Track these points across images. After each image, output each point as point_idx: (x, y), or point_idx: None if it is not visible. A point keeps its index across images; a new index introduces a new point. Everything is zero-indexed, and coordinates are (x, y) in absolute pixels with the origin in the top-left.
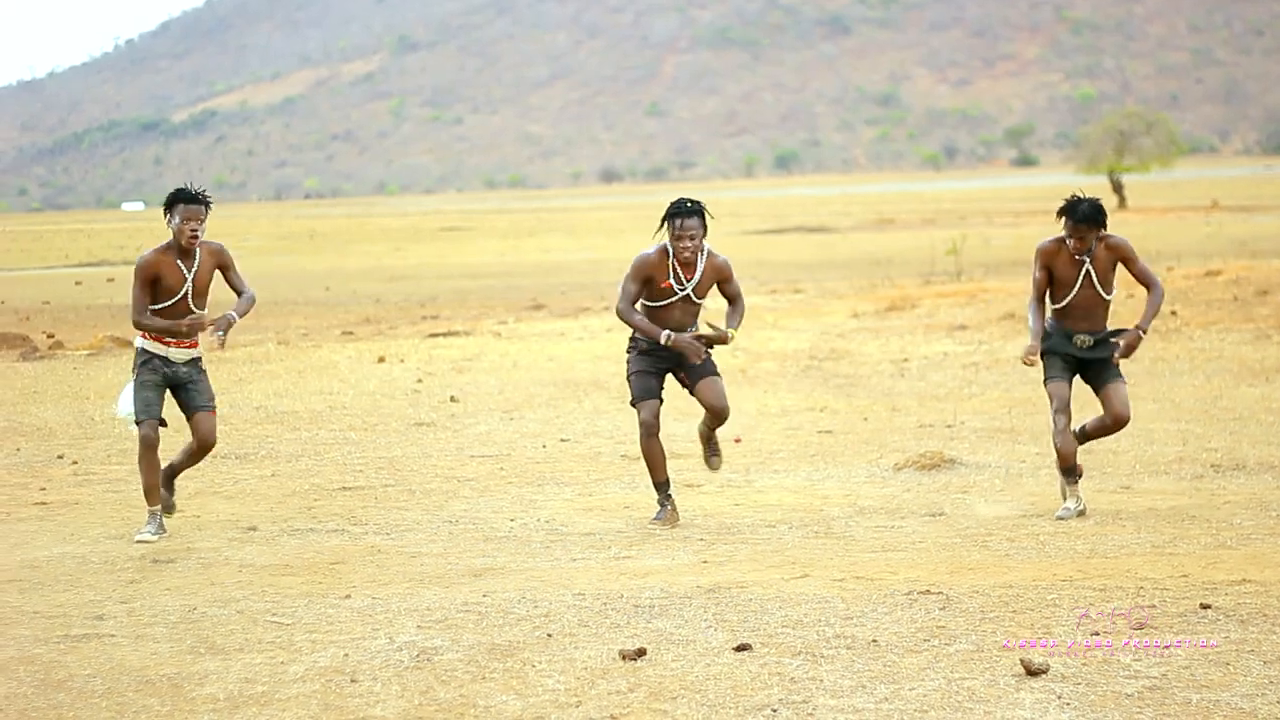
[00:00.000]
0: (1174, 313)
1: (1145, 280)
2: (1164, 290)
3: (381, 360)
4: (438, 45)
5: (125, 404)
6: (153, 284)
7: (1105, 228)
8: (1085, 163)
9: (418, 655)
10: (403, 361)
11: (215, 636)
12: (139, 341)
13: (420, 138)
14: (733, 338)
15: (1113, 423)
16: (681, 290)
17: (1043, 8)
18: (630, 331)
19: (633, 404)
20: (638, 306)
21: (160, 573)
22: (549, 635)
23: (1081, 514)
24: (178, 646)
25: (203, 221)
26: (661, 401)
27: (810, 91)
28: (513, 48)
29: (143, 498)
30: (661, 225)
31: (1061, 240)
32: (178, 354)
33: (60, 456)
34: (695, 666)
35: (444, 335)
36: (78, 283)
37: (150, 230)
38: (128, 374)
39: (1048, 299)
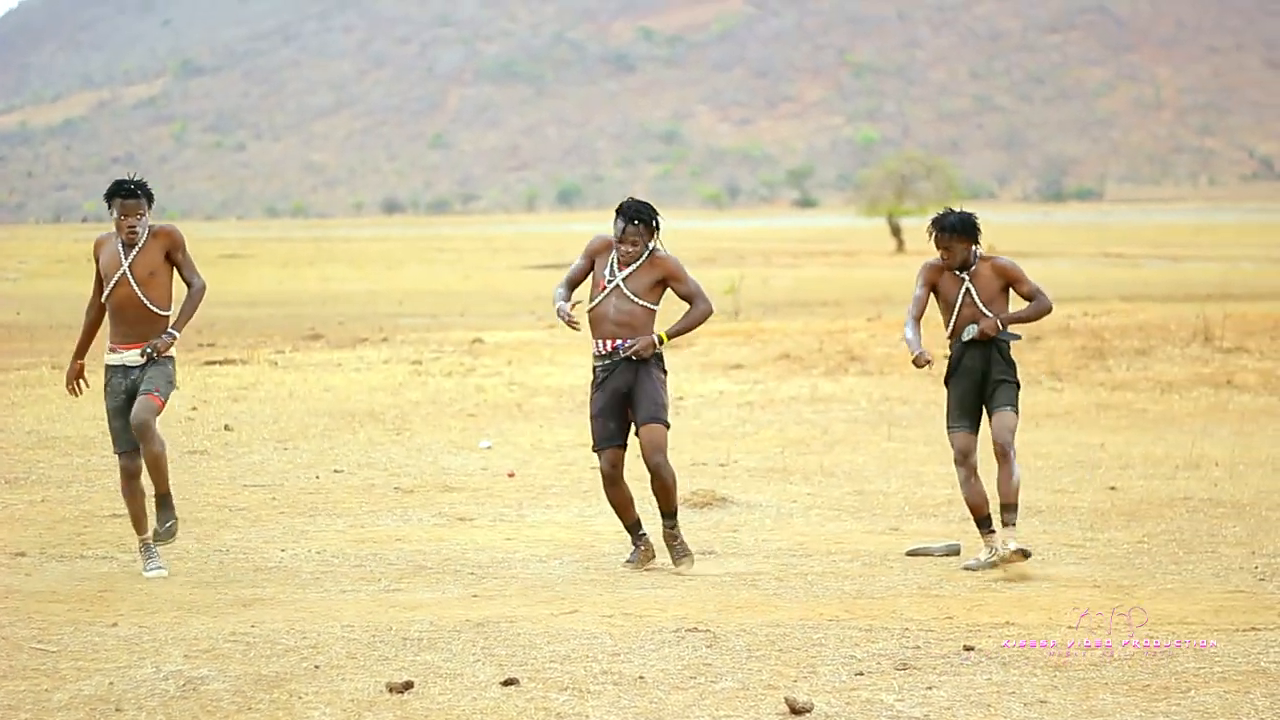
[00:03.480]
0: (947, 355)
1: (1032, 296)
2: (1051, 306)
3: None
4: (222, 71)
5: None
6: (97, 262)
7: (976, 241)
8: (866, 205)
9: (184, 685)
10: (177, 389)
11: None
12: (104, 358)
13: (202, 163)
14: (661, 341)
15: (994, 447)
16: (610, 282)
17: (826, 51)
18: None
19: (593, 450)
20: (575, 302)
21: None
22: (316, 667)
23: (991, 566)
24: None
25: (143, 215)
26: (624, 447)
27: (593, 127)
28: (297, 75)
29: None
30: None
31: (940, 270)
32: (131, 356)
33: None
34: (462, 700)
35: (220, 363)
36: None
37: None
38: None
39: (912, 330)
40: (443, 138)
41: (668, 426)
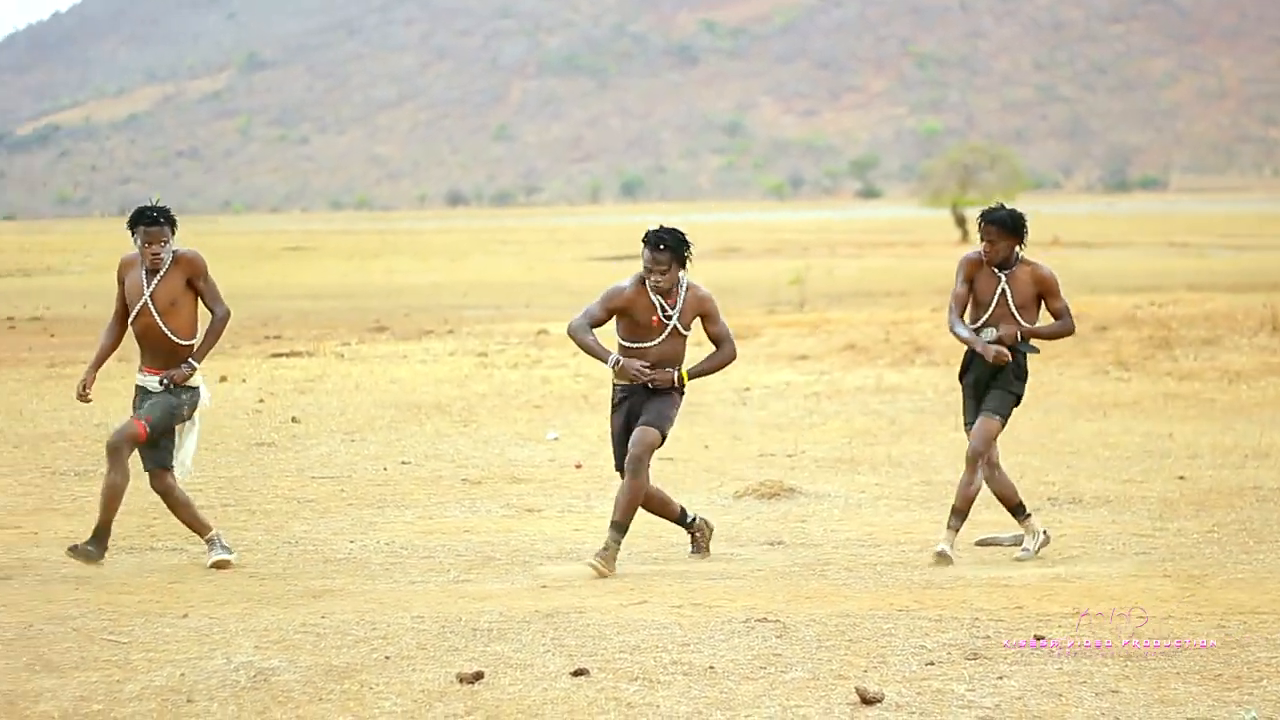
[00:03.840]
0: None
1: (1060, 315)
2: (1074, 329)
3: (223, 379)
4: (286, 64)
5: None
6: (121, 285)
7: (1021, 241)
8: (929, 196)
9: (255, 676)
10: (244, 381)
11: (51, 654)
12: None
13: (266, 157)
14: (683, 379)
15: (966, 452)
16: (669, 321)
17: (889, 42)
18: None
19: (616, 469)
20: (605, 340)
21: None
22: (387, 657)
23: (1045, 545)
24: (13, 664)
25: (167, 242)
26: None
27: (656, 119)
28: (361, 68)
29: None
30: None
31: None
32: (154, 382)
33: None
34: (532, 690)
35: (286, 356)
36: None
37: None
38: None
39: (962, 326)
40: (506, 130)
41: (663, 440)
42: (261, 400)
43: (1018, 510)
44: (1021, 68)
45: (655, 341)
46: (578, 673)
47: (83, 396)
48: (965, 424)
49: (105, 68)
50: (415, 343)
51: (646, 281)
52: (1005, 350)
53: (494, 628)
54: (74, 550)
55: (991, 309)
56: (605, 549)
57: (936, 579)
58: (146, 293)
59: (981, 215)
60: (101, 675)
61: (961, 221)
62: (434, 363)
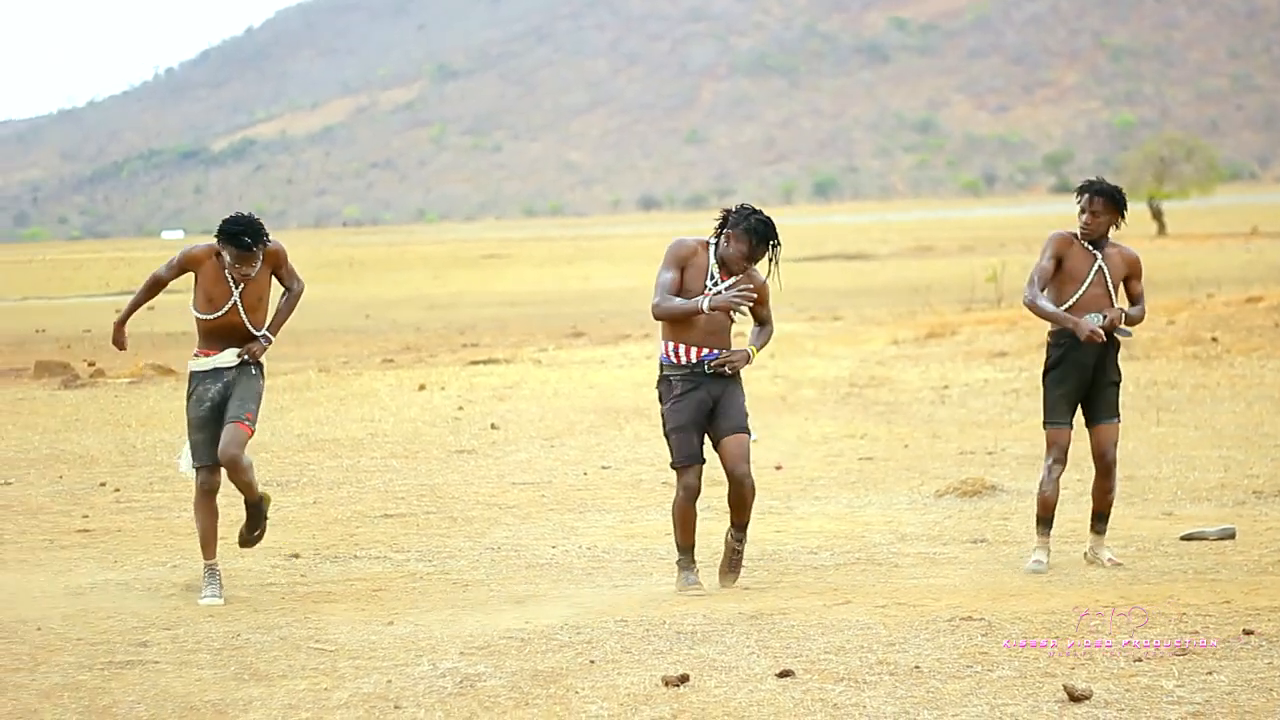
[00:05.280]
0: (1214, 339)
1: (1139, 300)
2: (1145, 314)
3: (422, 388)
4: (477, 73)
5: (184, 461)
6: (194, 279)
7: (1123, 218)
8: (1125, 189)
9: (461, 682)
10: (443, 389)
11: (259, 663)
12: (188, 365)
13: (460, 165)
14: (754, 356)
15: (1095, 459)
16: (714, 289)
17: (1082, 35)
18: (657, 376)
19: (674, 466)
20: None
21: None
22: (592, 662)
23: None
24: (221, 673)
25: (257, 264)
26: (704, 461)
27: (848, 118)
28: (552, 75)
29: (198, 547)
30: (721, 228)
31: (1074, 235)
32: (223, 360)
33: (102, 484)
34: (738, 693)
35: (484, 363)
36: (118, 310)
37: None
38: (168, 400)
39: (1047, 302)
40: (698, 133)
41: (753, 439)
42: (460, 408)
43: (1049, 522)
44: (1216, 57)
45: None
46: (783, 674)
47: (121, 343)
48: (1053, 422)
49: (299, 81)
50: (612, 347)
51: (714, 248)
52: (1100, 330)
53: (698, 630)
54: (246, 542)
55: (1086, 287)
56: (741, 546)
57: (1142, 574)
58: (236, 294)
59: (1087, 187)
60: (309, 683)
61: (1158, 214)
62: (631, 367)
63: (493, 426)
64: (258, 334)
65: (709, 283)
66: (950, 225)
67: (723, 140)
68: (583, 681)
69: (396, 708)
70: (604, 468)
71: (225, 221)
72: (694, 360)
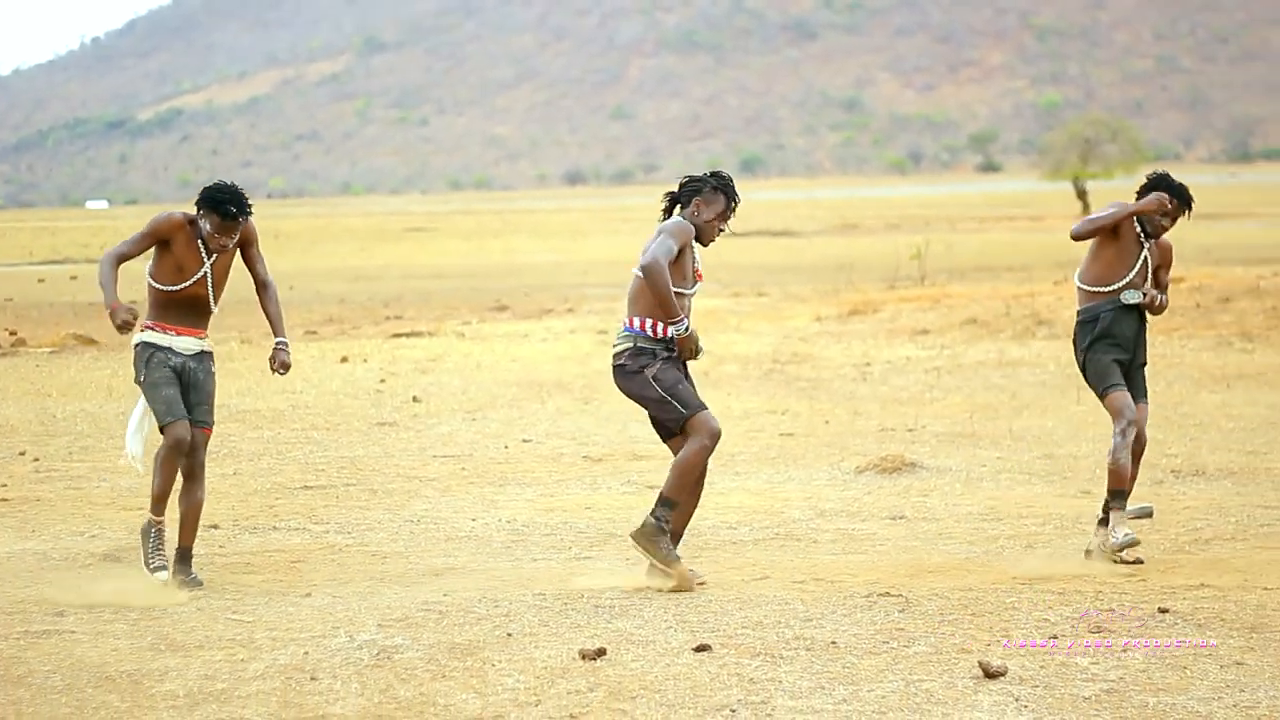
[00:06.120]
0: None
1: (1166, 287)
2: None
3: (345, 360)
4: (405, 46)
5: (133, 442)
6: (161, 247)
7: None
8: (1050, 169)
9: (378, 653)
10: (366, 361)
11: (175, 633)
12: (137, 336)
13: (386, 139)
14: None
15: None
16: (699, 271)
17: (1008, 15)
18: (623, 346)
19: (690, 415)
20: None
21: (121, 569)
22: (509, 634)
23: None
24: (138, 643)
25: (237, 234)
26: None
27: (774, 95)
28: (479, 50)
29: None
30: (686, 200)
31: (1132, 216)
32: (183, 344)
33: (21, 453)
34: (655, 667)
35: (407, 336)
36: (41, 280)
37: (114, 229)
38: (90, 371)
39: (1089, 277)
40: (624, 108)
41: None
42: (383, 380)
43: (1121, 494)
44: (1142, 39)
45: (692, 291)
46: (700, 648)
47: (129, 323)
48: (1112, 385)
49: (226, 52)
50: (536, 321)
51: (715, 225)
52: (1167, 205)
53: (615, 604)
54: (185, 583)
55: (1135, 269)
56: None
57: (1059, 552)
58: (207, 264)
59: (1177, 195)
60: (225, 654)
61: (1083, 194)
62: (555, 341)
63: (415, 399)
64: (214, 309)
65: (698, 263)
66: (876, 203)
67: (649, 116)
68: (500, 654)
69: (313, 679)
70: (525, 441)
71: (209, 189)
72: (667, 336)
